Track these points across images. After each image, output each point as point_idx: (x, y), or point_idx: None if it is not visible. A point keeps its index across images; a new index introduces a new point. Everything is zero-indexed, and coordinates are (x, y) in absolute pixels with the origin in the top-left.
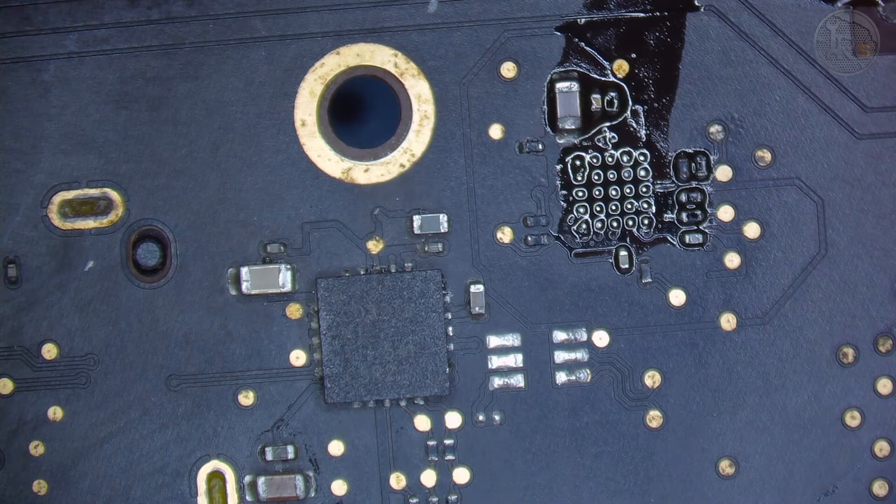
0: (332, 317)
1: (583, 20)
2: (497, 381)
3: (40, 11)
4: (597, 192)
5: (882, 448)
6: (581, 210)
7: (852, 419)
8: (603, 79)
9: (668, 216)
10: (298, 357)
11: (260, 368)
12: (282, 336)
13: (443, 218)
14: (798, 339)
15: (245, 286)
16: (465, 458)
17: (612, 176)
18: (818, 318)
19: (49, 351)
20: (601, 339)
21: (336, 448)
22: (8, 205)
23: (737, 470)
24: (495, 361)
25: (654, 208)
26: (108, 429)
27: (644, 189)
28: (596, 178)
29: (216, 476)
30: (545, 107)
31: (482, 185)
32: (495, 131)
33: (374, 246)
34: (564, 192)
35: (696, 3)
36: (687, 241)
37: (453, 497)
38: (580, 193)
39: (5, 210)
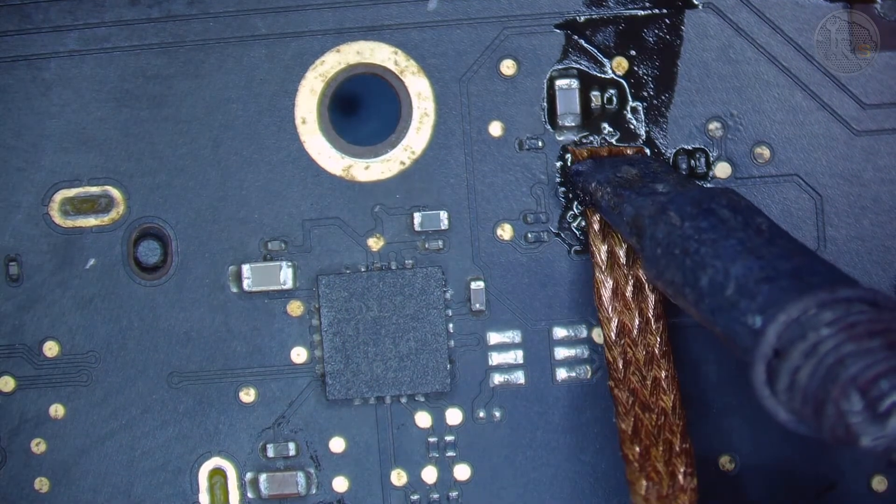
0: (333, 314)
1: (582, 18)
2: (497, 378)
3: (41, 10)
4: None
5: None
6: (580, 207)
7: None
8: (602, 76)
9: None
10: (299, 354)
11: (261, 365)
12: (283, 333)
13: (443, 215)
14: None
15: (246, 283)
16: (466, 454)
17: None
18: None
19: (50, 348)
20: (601, 335)
21: (337, 445)
22: (9, 203)
23: (737, 465)
24: (496, 358)
25: None
26: (109, 426)
27: None
28: None
29: (218, 473)
30: (545, 104)
31: (482, 182)
32: (495, 128)
33: (375, 243)
34: (564, 188)
35: (695, 1)
36: None
37: (454, 493)
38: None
39: (7, 208)
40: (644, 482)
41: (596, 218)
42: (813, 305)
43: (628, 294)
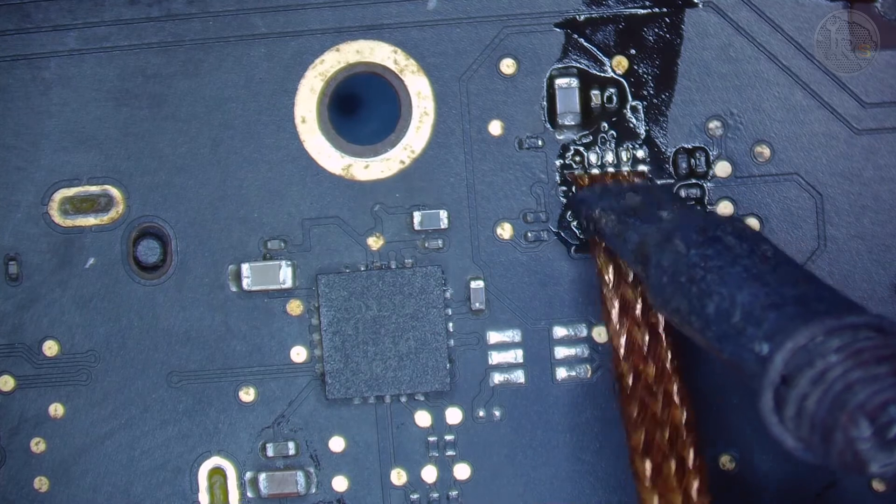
0: (333, 313)
1: (582, 17)
2: (497, 377)
3: (41, 9)
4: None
5: None
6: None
7: None
8: (602, 75)
9: None
10: (299, 353)
11: (261, 365)
12: (282, 332)
13: (443, 214)
14: None
15: (246, 282)
16: (466, 453)
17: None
18: None
19: (50, 348)
20: (601, 334)
21: (337, 444)
22: (9, 202)
23: (737, 465)
24: (496, 357)
25: None
26: (109, 425)
27: None
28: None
29: (217, 472)
30: (545, 103)
31: (482, 181)
32: (495, 127)
33: (375, 242)
34: (564, 188)
35: (695, 0)
36: None
37: (454, 493)
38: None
39: (6, 207)
40: (656, 499)
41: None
42: (820, 332)
43: (637, 311)
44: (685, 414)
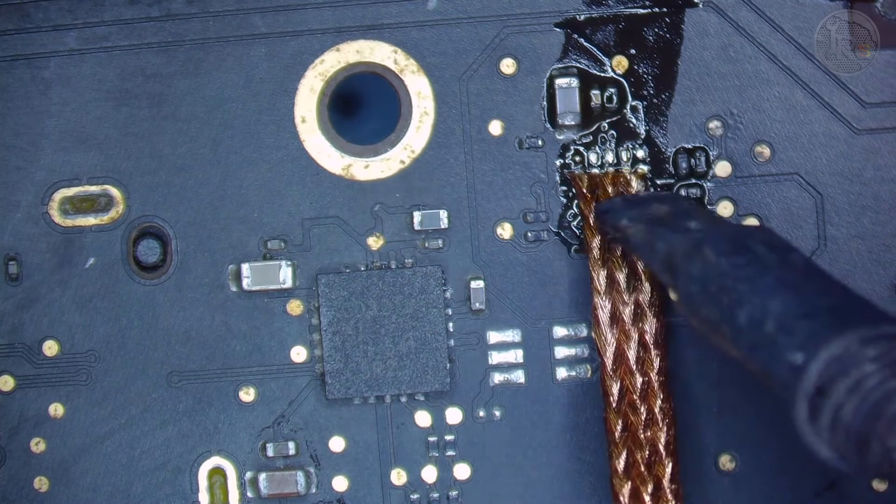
0: (333, 313)
1: (582, 16)
2: (497, 377)
3: (41, 9)
4: None
5: None
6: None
7: None
8: (602, 75)
9: None
10: (299, 353)
11: (261, 365)
12: (282, 332)
13: (443, 214)
14: None
15: (246, 282)
16: (466, 453)
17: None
18: None
19: (50, 348)
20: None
21: (337, 444)
22: (9, 202)
23: (737, 465)
24: (496, 357)
25: None
26: (109, 425)
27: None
28: None
29: (217, 472)
30: (545, 103)
31: (482, 181)
32: (495, 127)
33: (375, 242)
34: (564, 187)
35: (695, 0)
36: None
37: (454, 493)
38: None
39: (6, 207)
40: None
41: (595, 243)
42: (855, 341)
43: (627, 319)
44: (665, 436)
